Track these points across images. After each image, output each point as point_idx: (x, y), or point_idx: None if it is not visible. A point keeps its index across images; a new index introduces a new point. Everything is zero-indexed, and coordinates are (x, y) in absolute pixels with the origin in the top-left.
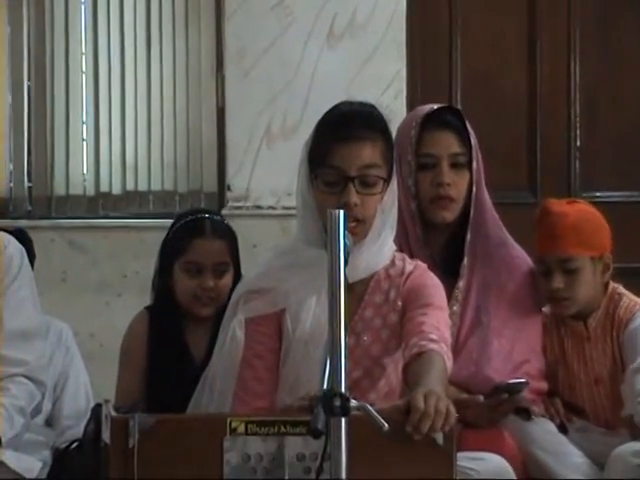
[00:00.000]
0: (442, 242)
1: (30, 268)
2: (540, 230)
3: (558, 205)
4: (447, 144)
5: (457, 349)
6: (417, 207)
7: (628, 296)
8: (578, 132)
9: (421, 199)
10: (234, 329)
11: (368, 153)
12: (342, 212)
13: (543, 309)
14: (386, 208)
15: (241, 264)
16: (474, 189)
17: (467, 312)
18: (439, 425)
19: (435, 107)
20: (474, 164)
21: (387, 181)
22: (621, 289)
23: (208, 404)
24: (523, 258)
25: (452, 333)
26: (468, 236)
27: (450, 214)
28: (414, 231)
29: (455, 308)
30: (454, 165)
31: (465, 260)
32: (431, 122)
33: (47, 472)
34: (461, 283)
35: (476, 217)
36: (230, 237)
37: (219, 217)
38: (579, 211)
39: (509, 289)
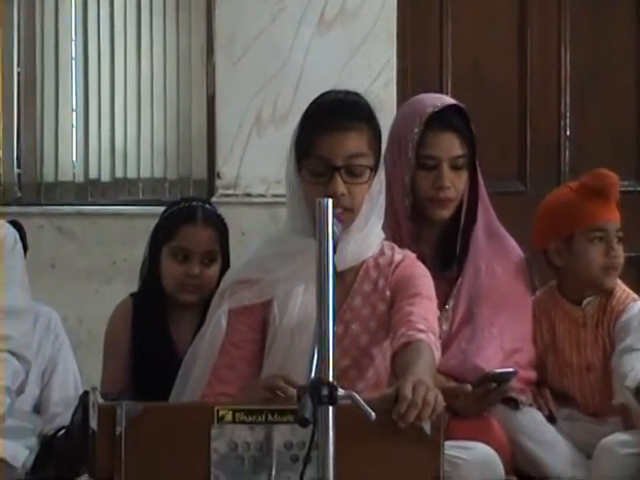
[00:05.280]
0: (434, 237)
1: (22, 254)
2: (604, 196)
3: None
4: (449, 146)
5: (449, 340)
6: (411, 204)
7: (621, 286)
8: (568, 121)
9: (418, 197)
10: (219, 318)
11: (354, 142)
12: (330, 201)
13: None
14: (374, 196)
15: (230, 252)
16: (473, 188)
17: (460, 304)
18: (426, 415)
19: (439, 105)
20: (476, 163)
21: (374, 169)
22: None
23: (184, 388)
24: (514, 248)
25: (445, 327)
26: (461, 232)
27: (448, 212)
28: (406, 227)
29: (451, 303)
30: (454, 167)
31: (460, 255)
32: (435, 122)
33: (33, 459)
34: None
35: (472, 213)
36: (220, 227)
37: (212, 207)
38: None
39: (501, 279)
